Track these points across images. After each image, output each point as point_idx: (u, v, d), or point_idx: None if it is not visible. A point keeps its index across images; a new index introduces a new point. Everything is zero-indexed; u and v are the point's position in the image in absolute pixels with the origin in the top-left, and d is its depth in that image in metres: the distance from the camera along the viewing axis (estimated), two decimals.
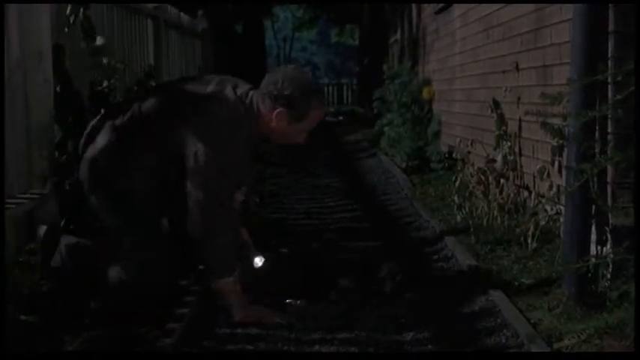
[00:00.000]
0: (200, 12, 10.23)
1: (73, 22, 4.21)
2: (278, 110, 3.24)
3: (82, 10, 4.25)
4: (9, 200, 3.36)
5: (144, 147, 3.28)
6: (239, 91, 3.31)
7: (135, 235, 3.30)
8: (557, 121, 3.90)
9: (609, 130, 3.46)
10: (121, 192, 3.29)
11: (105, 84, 4.48)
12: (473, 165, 5.53)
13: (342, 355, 2.98)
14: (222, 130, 3.18)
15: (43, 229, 3.45)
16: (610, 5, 3.48)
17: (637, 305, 2.34)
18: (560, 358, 2.74)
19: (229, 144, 3.19)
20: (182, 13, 8.71)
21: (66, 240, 3.44)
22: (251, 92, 3.33)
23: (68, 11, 4.20)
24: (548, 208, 4.39)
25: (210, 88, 3.31)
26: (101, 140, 3.33)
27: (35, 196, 3.57)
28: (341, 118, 20.05)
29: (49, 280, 3.39)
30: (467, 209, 5.12)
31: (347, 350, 3.00)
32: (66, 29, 4.15)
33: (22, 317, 3.14)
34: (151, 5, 6.74)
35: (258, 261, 3.66)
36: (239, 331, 3.18)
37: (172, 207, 3.38)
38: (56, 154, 3.85)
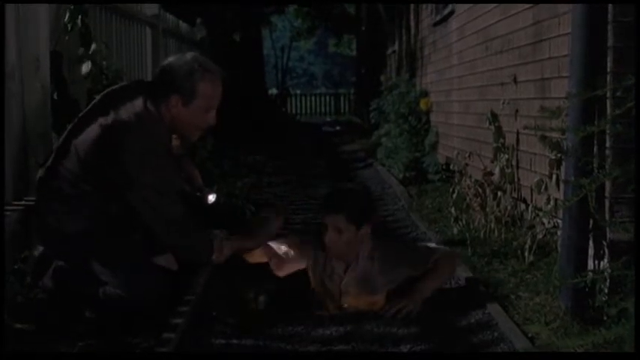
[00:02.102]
0: (198, 20, 10.23)
1: (71, 29, 4.21)
2: (169, 99, 3.27)
3: (80, 17, 4.25)
4: (5, 207, 3.34)
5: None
6: (147, 102, 3.28)
7: (118, 252, 3.30)
8: (555, 135, 3.90)
9: (608, 144, 3.45)
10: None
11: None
12: (470, 177, 5.52)
13: (342, 354, 2.99)
14: (140, 145, 3.18)
15: (38, 250, 3.43)
16: (609, 20, 3.48)
17: (637, 305, 2.34)
18: (560, 358, 2.72)
19: (152, 156, 3.20)
20: (181, 22, 8.71)
21: (56, 265, 3.41)
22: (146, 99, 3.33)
23: (66, 18, 4.20)
24: (545, 221, 4.38)
25: (123, 109, 3.27)
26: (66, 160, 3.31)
27: (31, 203, 3.56)
28: (338, 128, 20.06)
29: (42, 293, 3.38)
30: (464, 221, 5.11)
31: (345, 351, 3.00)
32: (66, 37, 4.14)
33: (17, 325, 3.13)
34: (149, 13, 6.74)
35: (212, 197, 3.82)
36: (234, 341, 3.17)
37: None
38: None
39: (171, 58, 3.42)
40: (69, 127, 3.35)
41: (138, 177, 3.18)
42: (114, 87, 3.53)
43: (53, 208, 3.27)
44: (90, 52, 4.43)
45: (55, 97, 4.09)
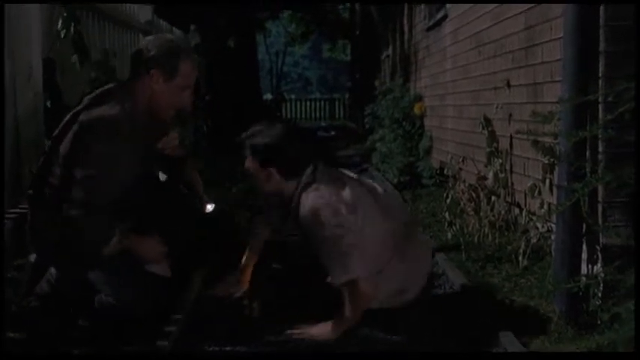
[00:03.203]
0: (192, 27, 10.24)
1: (64, 36, 4.21)
2: (151, 73, 3.29)
3: (73, 24, 4.25)
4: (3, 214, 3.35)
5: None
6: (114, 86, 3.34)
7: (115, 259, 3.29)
8: (548, 140, 3.91)
9: (600, 149, 3.46)
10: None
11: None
12: (464, 182, 5.53)
13: (341, 355, 3.01)
14: (107, 127, 3.15)
15: (33, 257, 3.43)
16: (601, 24, 3.49)
17: (637, 305, 2.35)
18: (560, 358, 2.72)
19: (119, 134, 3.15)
20: (174, 28, 8.72)
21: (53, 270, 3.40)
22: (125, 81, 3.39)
23: (59, 26, 4.19)
24: (539, 225, 4.39)
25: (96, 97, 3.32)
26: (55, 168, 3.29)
27: (24, 210, 3.55)
28: (333, 133, 20.06)
29: (37, 301, 3.36)
30: (458, 226, 5.12)
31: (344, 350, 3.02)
32: (58, 44, 4.14)
33: (10, 334, 3.12)
34: (143, 20, 6.74)
35: (209, 207, 3.79)
36: (228, 348, 3.17)
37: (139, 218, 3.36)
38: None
39: (149, 38, 3.46)
40: (55, 132, 3.33)
41: (89, 149, 3.14)
42: (97, 90, 3.51)
43: (41, 216, 3.26)
44: (91, 63, 4.44)
45: (48, 104, 4.09)
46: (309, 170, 3.30)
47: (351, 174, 3.49)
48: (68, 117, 3.33)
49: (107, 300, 3.26)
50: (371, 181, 3.54)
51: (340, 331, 3.20)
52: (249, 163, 3.33)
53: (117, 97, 3.26)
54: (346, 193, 3.22)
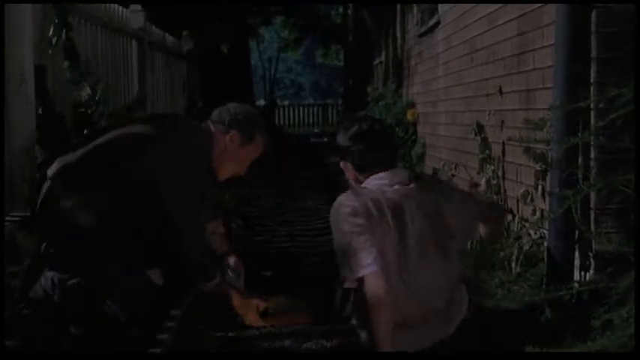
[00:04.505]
0: (185, 33, 10.23)
1: (56, 43, 4.20)
2: (231, 133, 3.47)
3: (64, 31, 4.24)
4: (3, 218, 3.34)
5: (104, 182, 3.29)
6: (193, 121, 3.56)
7: (111, 265, 3.29)
8: (540, 146, 3.92)
9: (592, 155, 3.47)
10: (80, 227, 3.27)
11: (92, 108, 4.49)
12: None
13: (340, 355, 3.02)
14: (190, 157, 3.33)
15: (27, 262, 3.42)
16: (592, 31, 3.50)
17: (637, 305, 2.36)
18: (560, 358, 2.72)
19: (199, 170, 3.35)
20: (167, 34, 8.71)
21: (47, 274, 3.39)
22: (204, 123, 3.56)
23: (51, 32, 4.19)
24: (531, 232, 4.39)
25: (166, 123, 3.52)
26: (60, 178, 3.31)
27: (17, 218, 3.54)
28: (325, 139, 20.05)
29: (29, 308, 3.35)
30: None
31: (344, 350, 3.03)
32: (50, 51, 4.13)
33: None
34: (135, 26, 6.74)
35: (231, 261, 3.70)
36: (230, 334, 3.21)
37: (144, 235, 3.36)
38: (38, 176, 3.82)
39: (232, 104, 3.62)
40: (87, 132, 3.41)
41: (188, 185, 3.28)
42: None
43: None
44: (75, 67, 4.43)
45: (40, 111, 4.07)
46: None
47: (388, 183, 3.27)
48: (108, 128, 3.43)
49: (100, 307, 3.25)
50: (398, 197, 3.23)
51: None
52: None
53: (195, 137, 3.42)
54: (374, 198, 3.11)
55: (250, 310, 3.41)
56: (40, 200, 3.32)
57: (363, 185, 3.20)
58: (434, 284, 3.10)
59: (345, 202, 3.10)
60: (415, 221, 3.10)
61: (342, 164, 3.34)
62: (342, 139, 3.32)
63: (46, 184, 3.33)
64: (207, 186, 3.41)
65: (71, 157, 3.33)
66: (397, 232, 3.07)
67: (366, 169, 3.25)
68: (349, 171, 3.30)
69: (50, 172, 3.29)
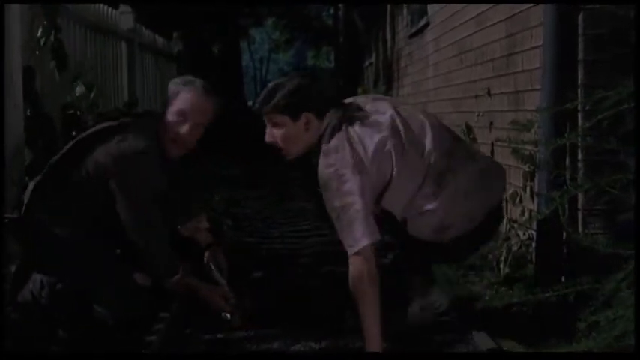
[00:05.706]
0: (175, 34, 10.21)
1: (44, 44, 4.19)
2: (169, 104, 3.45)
3: (53, 32, 4.22)
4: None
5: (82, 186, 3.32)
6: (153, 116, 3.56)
7: (97, 269, 3.29)
8: (528, 148, 3.93)
9: (579, 157, 3.48)
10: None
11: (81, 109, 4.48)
12: None
13: (339, 354, 3.02)
14: (130, 160, 3.27)
15: (15, 265, 3.41)
16: (579, 33, 3.52)
17: (637, 305, 2.37)
18: (560, 358, 2.73)
19: (145, 170, 3.29)
20: (157, 36, 8.69)
21: (36, 277, 3.39)
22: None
23: (39, 33, 4.17)
24: (520, 233, 4.40)
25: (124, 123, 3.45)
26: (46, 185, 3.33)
27: (6, 221, 3.53)
28: None
29: (16, 312, 3.34)
30: None
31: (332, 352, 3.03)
32: (37, 52, 4.12)
33: None
34: (125, 28, 6.72)
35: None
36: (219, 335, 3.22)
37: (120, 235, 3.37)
38: (27, 178, 3.81)
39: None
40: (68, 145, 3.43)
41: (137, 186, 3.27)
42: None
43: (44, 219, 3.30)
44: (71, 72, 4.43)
45: (29, 113, 4.06)
46: (334, 110, 3.13)
47: (384, 107, 3.22)
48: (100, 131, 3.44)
49: (87, 310, 3.24)
50: (407, 113, 3.24)
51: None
52: (279, 125, 3.15)
53: (139, 136, 3.36)
54: (367, 142, 3.04)
55: (215, 296, 3.38)
56: (25, 203, 3.33)
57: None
58: (462, 179, 3.06)
59: (329, 176, 3.03)
60: (424, 131, 3.11)
61: (292, 125, 3.12)
62: (286, 93, 3.11)
63: (30, 186, 3.35)
64: (157, 182, 3.33)
65: (54, 159, 3.36)
66: (414, 146, 3.05)
67: (325, 111, 3.11)
68: (310, 122, 3.12)
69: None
